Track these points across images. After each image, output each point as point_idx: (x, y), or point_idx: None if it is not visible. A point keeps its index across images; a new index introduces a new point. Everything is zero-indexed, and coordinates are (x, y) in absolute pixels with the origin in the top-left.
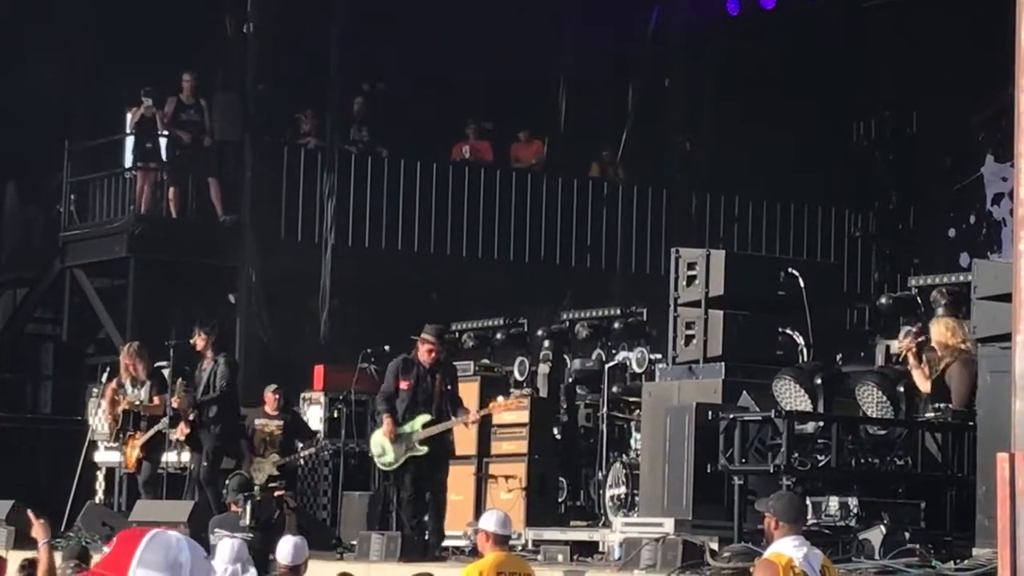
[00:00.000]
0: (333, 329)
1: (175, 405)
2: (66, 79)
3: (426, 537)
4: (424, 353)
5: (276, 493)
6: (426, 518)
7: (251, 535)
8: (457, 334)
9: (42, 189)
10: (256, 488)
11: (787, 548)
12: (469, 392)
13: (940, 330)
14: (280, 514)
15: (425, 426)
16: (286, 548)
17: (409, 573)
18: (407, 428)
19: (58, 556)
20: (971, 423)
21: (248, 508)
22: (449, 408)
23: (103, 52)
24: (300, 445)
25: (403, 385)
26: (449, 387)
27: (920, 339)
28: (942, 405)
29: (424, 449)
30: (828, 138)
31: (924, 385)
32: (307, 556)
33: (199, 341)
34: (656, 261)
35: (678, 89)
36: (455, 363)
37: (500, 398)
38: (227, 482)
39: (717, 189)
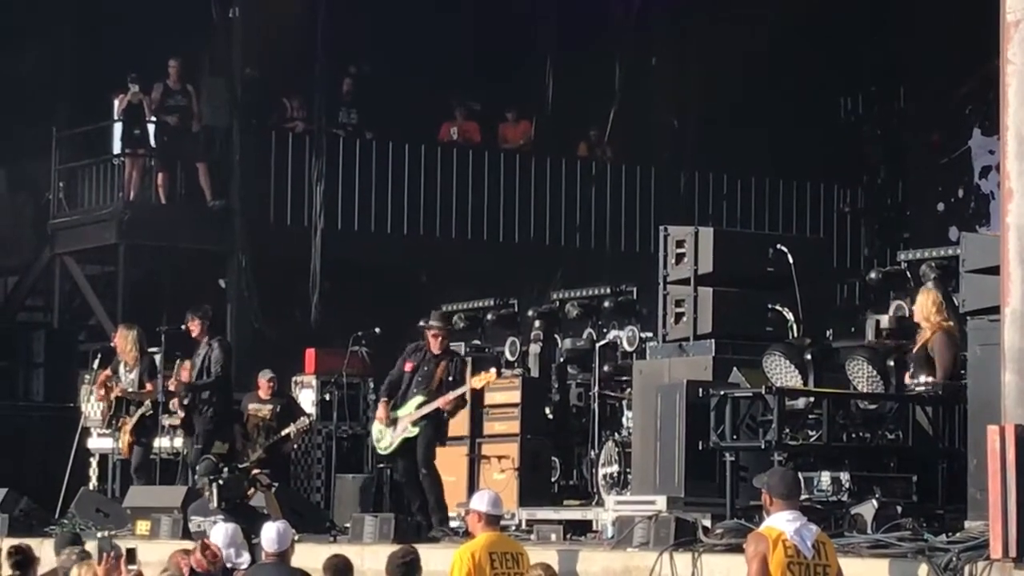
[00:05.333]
0: (324, 312)
1: (172, 388)
2: (53, 66)
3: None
4: (432, 340)
5: (251, 473)
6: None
7: (221, 516)
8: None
9: (30, 177)
10: (224, 470)
11: (780, 523)
12: None
13: (925, 303)
14: (254, 493)
15: (419, 407)
16: (270, 534)
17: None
18: (401, 411)
19: (50, 544)
20: (961, 396)
21: (215, 490)
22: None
23: (89, 38)
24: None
25: (407, 367)
26: (451, 378)
27: None
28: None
29: (416, 430)
30: (815, 114)
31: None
32: (294, 540)
33: (194, 327)
34: (645, 239)
35: (665, 67)
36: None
37: (489, 370)
38: (196, 468)
39: (705, 166)
